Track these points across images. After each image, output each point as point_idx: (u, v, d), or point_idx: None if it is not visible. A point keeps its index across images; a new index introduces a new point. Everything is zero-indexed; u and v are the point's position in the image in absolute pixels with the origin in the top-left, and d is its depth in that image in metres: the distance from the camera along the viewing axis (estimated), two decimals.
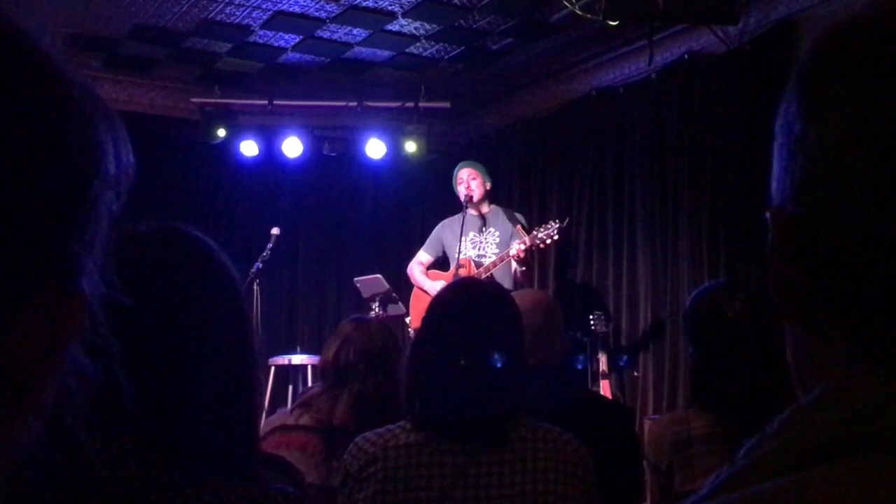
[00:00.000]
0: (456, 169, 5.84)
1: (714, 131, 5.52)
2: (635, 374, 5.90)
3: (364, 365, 2.75)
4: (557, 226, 5.36)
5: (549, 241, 5.37)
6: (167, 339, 0.97)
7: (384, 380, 2.75)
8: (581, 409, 2.57)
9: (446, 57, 6.49)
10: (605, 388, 5.31)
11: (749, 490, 0.50)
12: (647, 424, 3.94)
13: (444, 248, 5.92)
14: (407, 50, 6.34)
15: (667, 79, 5.87)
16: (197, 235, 1.08)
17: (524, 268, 5.43)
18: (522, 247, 5.29)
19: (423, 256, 5.99)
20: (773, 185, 0.58)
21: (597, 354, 5.56)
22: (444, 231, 5.93)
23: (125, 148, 0.56)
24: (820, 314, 0.56)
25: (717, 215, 5.43)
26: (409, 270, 6.02)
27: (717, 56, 5.55)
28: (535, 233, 5.38)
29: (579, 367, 5.35)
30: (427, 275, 5.90)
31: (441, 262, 6.03)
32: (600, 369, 5.44)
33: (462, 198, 5.68)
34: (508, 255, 5.42)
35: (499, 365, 1.93)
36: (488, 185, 5.79)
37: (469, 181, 5.71)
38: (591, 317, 5.60)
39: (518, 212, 5.97)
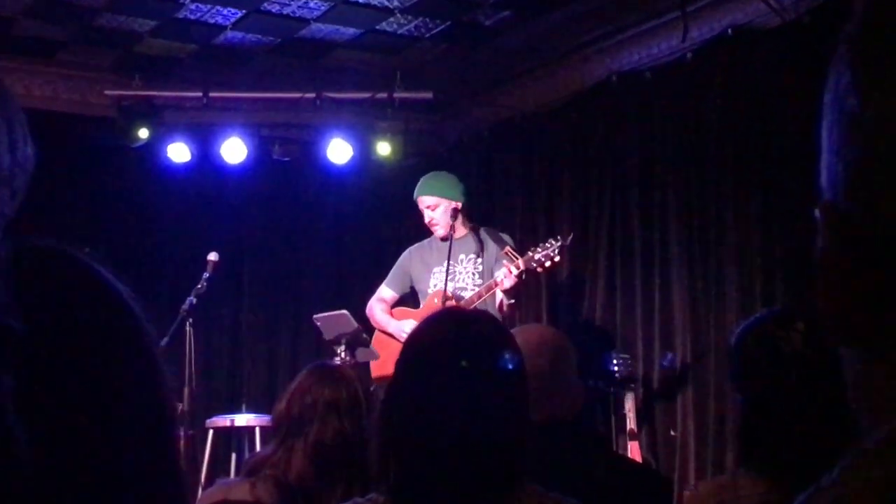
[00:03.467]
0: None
1: (765, 124, 5.55)
2: (672, 432, 5.89)
3: (323, 410, 2.79)
4: (559, 244, 5.34)
5: (548, 265, 5.35)
6: (53, 390, 0.94)
7: (350, 427, 2.78)
8: (603, 475, 2.57)
9: (427, 35, 6.52)
10: (633, 450, 5.30)
11: None
12: (686, 496, 3.95)
13: (412, 281, 5.89)
14: (378, 26, 6.37)
15: (705, 59, 5.91)
16: (89, 261, 1.04)
17: (512, 300, 5.41)
18: (515, 271, 5.26)
19: (386, 292, 5.95)
20: (823, 174, 0.58)
21: (622, 408, 5.55)
22: (411, 260, 5.89)
23: (23, 135, 0.55)
24: (884, 335, 0.56)
25: (770, 228, 5.45)
26: (368, 310, 5.97)
27: (767, 30, 5.59)
28: (530, 254, 5.36)
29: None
30: (391, 314, 5.88)
31: (408, 300, 6.02)
32: (627, 427, 5.42)
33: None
34: (495, 284, 5.40)
35: (496, 421, 1.92)
36: (458, 204, 5.67)
37: (426, 213, 5.70)
38: (614, 360, 5.59)
39: (520, 229, 5.98)
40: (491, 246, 5.67)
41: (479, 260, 5.66)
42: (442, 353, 1.96)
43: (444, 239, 5.65)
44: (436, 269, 5.65)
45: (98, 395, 0.94)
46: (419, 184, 5.79)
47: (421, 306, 5.73)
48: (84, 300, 0.97)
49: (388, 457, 1.97)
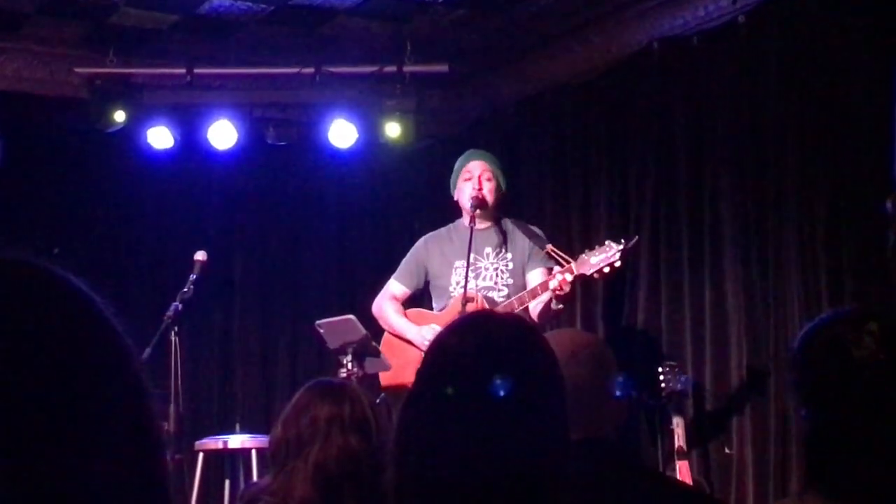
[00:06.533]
0: (462, 159, 5.83)
1: (831, 97, 5.53)
2: (727, 451, 5.90)
3: (325, 426, 2.82)
4: (619, 247, 5.26)
5: (607, 271, 5.29)
6: (25, 425, 0.97)
7: (357, 444, 2.81)
8: (648, 500, 2.58)
9: None
10: (682, 470, 5.32)
11: None
12: None
13: (427, 276, 5.89)
14: None
15: (760, 23, 5.89)
16: (63, 276, 1.06)
17: (561, 306, 5.40)
18: (569, 277, 5.21)
19: (396, 288, 5.94)
20: None
21: (670, 423, 5.56)
22: (428, 252, 5.88)
23: None
24: None
25: (837, 218, 5.44)
26: (375, 309, 5.97)
27: None
28: (584, 258, 5.31)
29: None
30: (406, 315, 5.87)
31: (419, 298, 6.01)
32: (676, 445, 5.44)
33: (468, 201, 5.64)
34: (542, 290, 5.36)
35: (530, 442, 1.94)
36: (504, 189, 5.78)
37: (482, 179, 5.68)
38: (659, 370, 5.60)
39: (551, 220, 5.96)
40: (520, 239, 5.65)
41: (508, 255, 5.66)
42: (470, 363, 1.98)
43: (480, 213, 5.62)
44: (458, 264, 5.64)
45: (74, 423, 0.96)
46: (474, 151, 5.89)
47: (445, 306, 5.71)
48: (56, 320, 0.99)
49: (407, 483, 1.98)
